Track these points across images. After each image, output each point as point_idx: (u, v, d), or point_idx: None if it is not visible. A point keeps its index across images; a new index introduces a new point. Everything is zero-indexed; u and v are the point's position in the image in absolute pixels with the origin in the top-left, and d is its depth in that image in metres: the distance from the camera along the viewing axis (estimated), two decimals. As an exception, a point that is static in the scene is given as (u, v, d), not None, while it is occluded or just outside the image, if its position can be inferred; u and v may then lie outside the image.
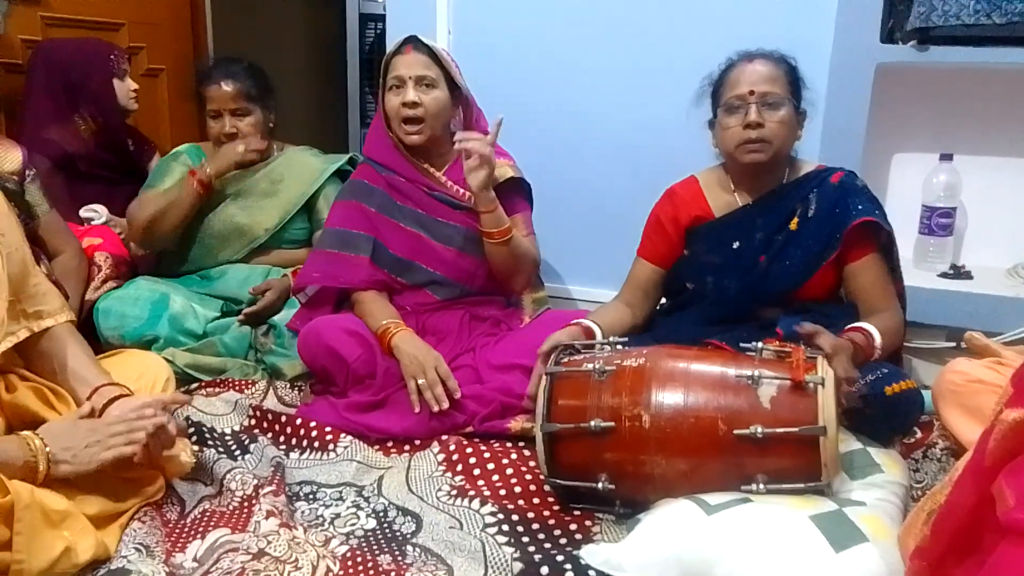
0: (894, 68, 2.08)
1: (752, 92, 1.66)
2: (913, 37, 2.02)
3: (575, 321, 1.71)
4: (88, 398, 1.41)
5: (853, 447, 1.50)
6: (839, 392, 1.37)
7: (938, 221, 2.17)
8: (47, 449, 1.27)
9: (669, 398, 1.37)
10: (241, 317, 2.11)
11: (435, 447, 1.68)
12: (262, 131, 2.29)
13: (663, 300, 1.94)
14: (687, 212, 1.82)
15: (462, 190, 2.01)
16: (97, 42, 2.47)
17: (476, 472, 1.59)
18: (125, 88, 2.43)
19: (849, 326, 1.60)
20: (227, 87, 2.22)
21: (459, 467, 1.61)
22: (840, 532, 1.21)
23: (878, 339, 1.56)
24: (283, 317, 2.10)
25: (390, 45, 2.03)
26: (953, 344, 2.04)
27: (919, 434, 1.68)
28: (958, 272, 2.15)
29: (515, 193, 2.06)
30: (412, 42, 1.98)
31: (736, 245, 1.77)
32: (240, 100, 2.24)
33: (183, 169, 2.25)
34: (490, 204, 1.88)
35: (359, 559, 1.34)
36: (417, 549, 1.38)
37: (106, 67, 2.39)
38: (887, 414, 1.53)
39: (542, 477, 1.49)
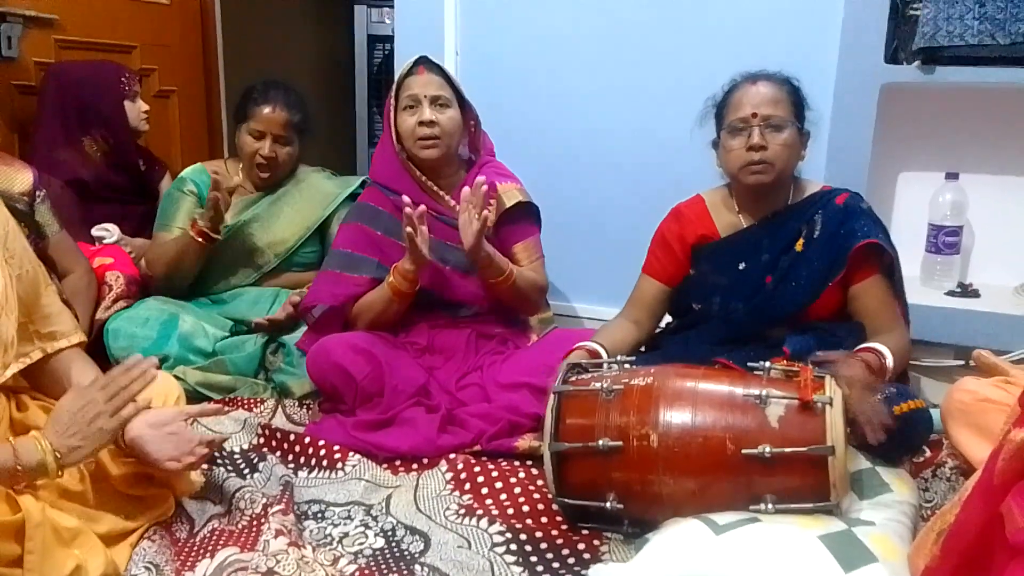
0: (899, 88, 2.09)
1: (755, 115, 1.68)
2: (918, 57, 2.04)
3: (579, 345, 1.72)
4: None
5: (862, 466, 1.50)
6: (870, 426, 1.37)
7: (945, 240, 2.17)
8: (52, 448, 1.23)
9: (677, 417, 1.37)
10: (263, 320, 2.11)
11: (443, 466, 1.69)
12: (294, 162, 2.33)
13: (669, 319, 1.95)
14: (693, 231, 1.83)
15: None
16: (108, 64, 2.51)
17: (484, 491, 1.59)
18: (136, 109, 2.46)
19: (861, 346, 1.60)
20: (281, 112, 2.24)
21: (467, 486, 1.61)
22: (849, 552, 1.21)
23: (890, 359, 1.57)
24: (292, 337, 2.11)
25: (400, 66, 2.05)
26: (961, 362, 2.03)
27: (928, 453, 1.67)
28: (965, 290, 2.15)
29: (524, 217, 2.07)
30: (424, 63, 2.00)
31: (742, 266, 1.78)
32: (288, 128, 2.26)
33: (190, 200, 2.27)
34: (485, 260, 1.90)
35: (367, 578, 1.34)
36: (425, 568, 1.38)
37: (117, 89, 2.42)
38: (896, 433, 1.52)
39: (550, 496, 1.49)
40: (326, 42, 4.14)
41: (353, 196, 2.33)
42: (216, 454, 1.67)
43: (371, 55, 3.88)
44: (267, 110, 2.24)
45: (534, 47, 2.48)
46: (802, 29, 2.17)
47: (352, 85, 3.90)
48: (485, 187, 1.85)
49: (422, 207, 1.86)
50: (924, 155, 2.25)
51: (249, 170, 2.31)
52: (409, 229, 1.81)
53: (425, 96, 1.95)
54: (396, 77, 2.02)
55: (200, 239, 2.15)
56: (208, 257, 2.24)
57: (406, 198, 1.85)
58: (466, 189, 1.85)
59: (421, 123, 1.95)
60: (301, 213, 2.30)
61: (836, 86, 2.11)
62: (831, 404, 1.32)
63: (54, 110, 2.39)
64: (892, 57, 2.08)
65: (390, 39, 3.21)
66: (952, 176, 2.16)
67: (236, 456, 1.71)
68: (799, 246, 1.74)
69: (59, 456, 1.23)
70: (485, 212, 1.84)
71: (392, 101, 2.01)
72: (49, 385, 1.47)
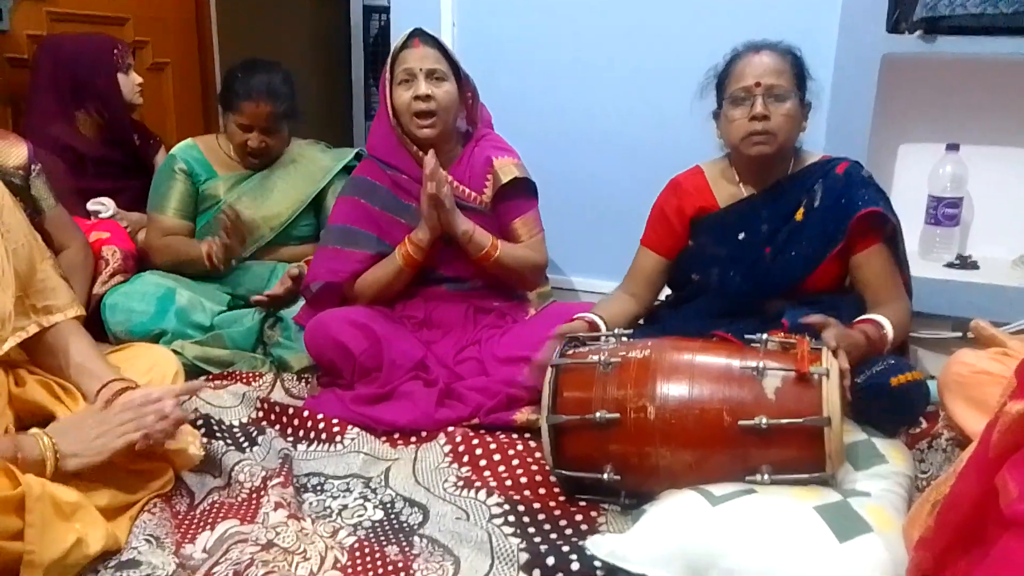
0: (900, 58, 2.07)
1: (758, 84, 1.66)
2: (919, 27, 2.01)
3: (578, 316, 1.72)
4: (96, 393, 1.42)
5: (858, 438, 1.50)
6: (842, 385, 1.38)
7: (944, 211, 2.16)
8: (55, 446, 1.27)
9: (674, 390, 1.38)
10: (262, 297, 2.10)
11: (441, 439, 1.69)
12: (285, 142, 2.31)
13: (668, 292, 1.94)
14: (692, 203, 1.82)
15: (467, 189, 2.01)
16: (101, 37, 2.47)
17: (482, 463, 1.60)
18: (130, 82, 2.44)
19: (861, 317, 1.60)
20: (265, 106, 2.19)
21: (465, 459, 1.62)
22: (845, 523, 1.22)
23: (890, 331, 1.57)
24: (290, 311, 2.11)
25: (395, 38, 2.02)
26: (959, 334, 2.04)
27: (924, 424, 1.68)
28: (964, 262, 2.15)
29: (521, 193, 2.06)
30: (419, 35, 1.97)
31: (741, 236, 1.77)
32: (274, 119, 2.23)
33: (181, 180, 2.25)
34: (464, 237, 1.92)
35: (367, 550, 1.36)
36: (424, 540, 1.39)
37: (110, 62, 2.39)
38: (893, 405, 1.53)
39: (548, 468, 1.50)
40: (322, 13, 4.09)
41: (347, 168, 2.32)
42: (216, 427, 1.68)
43: (367, 26, 3.84)
44: (250, 105, 2.19)
45: (532, 19, 2.45)
46: (803, -1, 2.15)
47: (348, 56, 3.86)
48: (432, 161, 1.85)
49: (432, 156, 1.86)
50: (924, 126, 2.24)
51: (240, 155, 2.29)
52: (431, 193, 1.83)
53: (421, 70, 1.93)
54: (391, 50, 2.00)
55: (211, 265, 2.17)
56: (204, 232, 2.24)
57: (430, 157, 1.85)
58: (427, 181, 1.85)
59: (417, 97, 1.93)
60: (295, 187, 2.29)
61: (837, 56, 2.08)
62: (827, 376, 1.32)
63: (47, 84, 2.37)
64: (893, 27, 2.06)
65: (386, 10, 3.17)
66: (952, 148, 2.15)
67: (235, 430, 1.72)
68: (799, 216, 1.73)
69: (58, 457, 1.27)
70: (445, 189, 1.86)
71: (387, 75, 1.99)
72: (47, 359, 1.48)
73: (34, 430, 1.31)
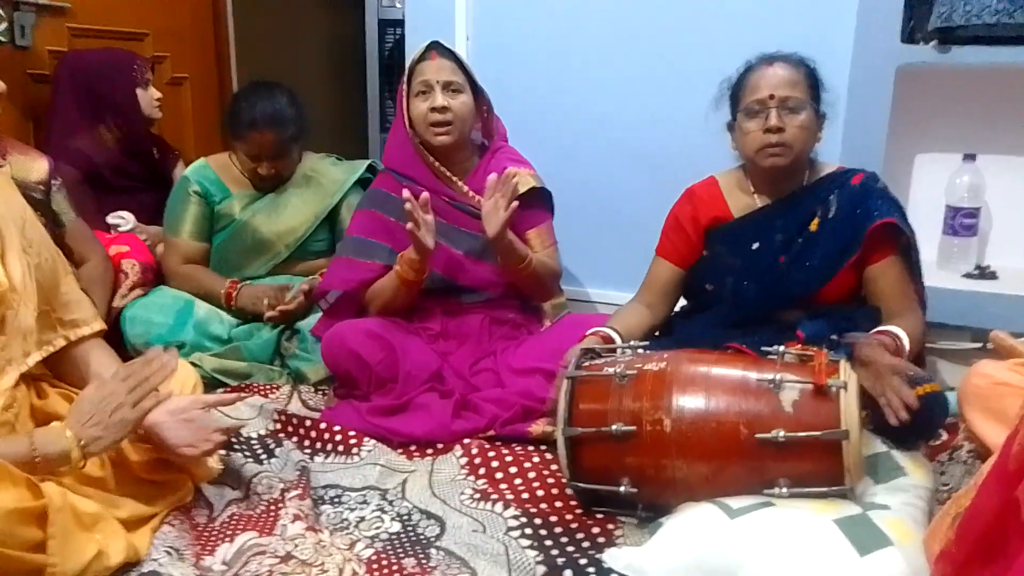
0: (915, 69, 2.07)
1: (772, 96, 1.66)
2: (934, 37, 2.01)
3: (592, 331, 1.72)
4: None
5: (877, 450, 1.49)
6: (890, 407, 1.38)
7: (962, 221, 2.15)
8: (78, 436, 1.25)
9: (690, 402, 1.37)
10: (273, 313, 2.10)
11: (457, 451, 1.70)
12: (297, 162, 2.30)
13: (683, 302, 1.94)
14: (706, 212, 1.82)
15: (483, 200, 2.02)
16: (121, 52, 2.50)
17: (499, 476, 1.60)
18: (148, 97, 2.46)
19: (876, 329, 1.59)
20: (270, 135, 2.18)
21: (481, 471, 1.62)
22: (864, 536, 1.21)
23: (906, 343, 1.56)
24: (307, 323, 2.12)
25: (411, 51, 2.04)
26: (978, 345, 2.02)
27: (944, 436, 1.67)
28: (983, 272, 2.13)
29: (537, 203, 2.07)
30: (436, 48, 1.99)
31: (756, 246, 1.77)
32: (281, 146, 2.22)
33: (195, 202, 2.25)
34: (508, 247, 1.90)
35: (384, 562, 1.36)
36: (441, 552, 1.39)
37: (129, 77, 2.41)
38: (912, 417, 1.52)
39: (564, 481, 1.50)
40: (337, 27, 4.12)
41: (360, 181, 2.32)
42: (233, 440, 1.69)
43: (382, 40, 3.86)
44: (255, 135, 2.18)
45: (546, 31, 2.46)
46: (818, 9, 2.15)
47: (363, 69, 3.88)
48: (516, 179, 1.84)
49: (425, 195, 1.85)
50: (941, 136, 2.23)
51: (252, 179, 2.29)
52: (411, 224, 1.81)
53: (437, 82, 1.95)
54: (408, 63, 2.02)
55: (228, 303, 2.18)
56: (220, 249, 2.26)
57: (406, 192, 1.83)
58: (492, 176, 1.84)
59: (433, 109, 1.94)
60: (309, 203, 2.29)
61: (852, 67, 2.08)
62: (845, 388, 1.32)
63: (68, 99, 2.40)
64: (908, 37, 2.05)
65: (401, 23, 3.19)
66: (969, 157, 2.14)
67: (253, 442, 1.73)
68: (814, 226, 1.73)
69: (83, 445, 1.24)
70: (514, 202, 1.84)
71: (404, 87, 2.01)
72: (70, 373, 1.49)
73: (54, 424, 1.29)
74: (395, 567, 1.35)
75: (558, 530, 1.44)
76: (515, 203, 1.84)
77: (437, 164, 2.03)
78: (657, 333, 1.88)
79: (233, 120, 2.22)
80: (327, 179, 2.33)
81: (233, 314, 2.18)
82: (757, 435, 1.32)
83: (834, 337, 1.53)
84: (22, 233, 1.41)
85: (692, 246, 1.84)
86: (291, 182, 2.31)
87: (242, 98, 2.24)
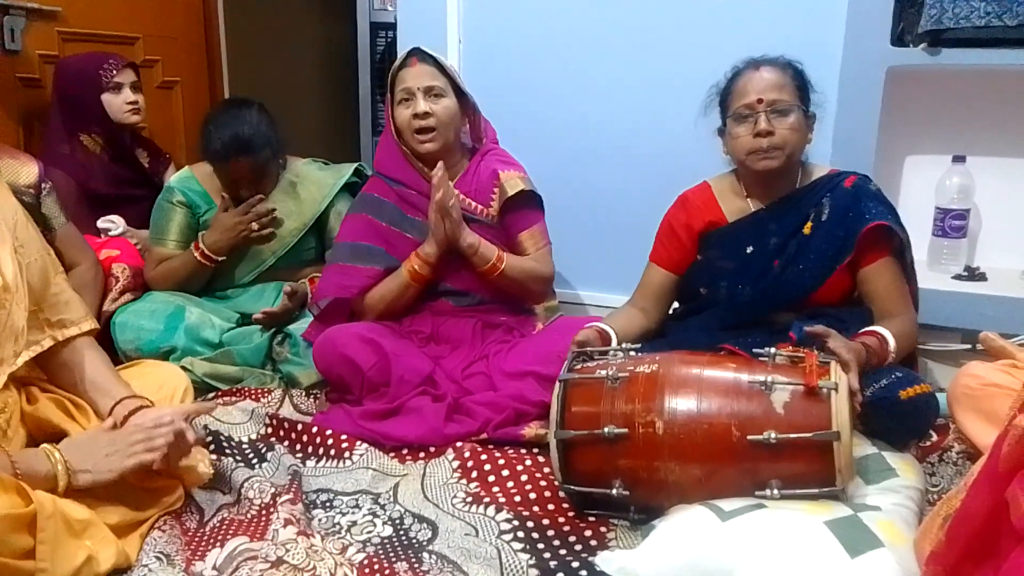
0: (905, 71, 2.08)
1: (760, 100, 1.67)
2: (924, 40, 2.02)
3: (590, 325, 1.72)
4: (110, 411, 1.43)
5: (868, 451, 1.50)
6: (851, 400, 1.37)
7: (951, 223, 2.16)
8: (66, 461, 1.28)
9: (682, 404, 1.38)
10: (260, 316, 2.09)
11: (450, 454, 1.69)
12: (278, 174, 2.27)
13: (676, 305, 1.95)
14: (700, 218, 1.83)
15: (473, 203, 2.02)
16: (92, 56, 2.43)
17: (491, 479, 1.60)
18: (119, 101, 2.37)
19: (863, 330, 1.60)
20: (243, 162, 2.13)
21: (474, 474, 1.62)
22: (855, 537, 1.21)
23: (892, 343, 1.56)
24: (298, 327, 2.12)
25: (396, 59, 2.04)
26: (968, 346, 2.03)
27: (935, 437, 1.68)
28: (972, 274, 2.14)
29: (527, 205, 2.07)
30: (416, 54, 1.99)
31: (750, 250, 1.77)
32: (258, 169, 2.18)
33: (180, 212, 2.24)
34: (469, 250, 1.94)
35: (376, 566, 1.35)
36: (433, 556, 1.39)
37: (95, 83, 2.34)
38: (902, 418, 1.52)
39: (556, 483, 1.50)
40: (329, 30, 4.12)
41: (347, 185, 2.30)
42: (225, 444, 1.68)
43: (374, 43, 3.86)
44: (231, 164, 2.13)
45: (538, 34, 2.47)
46: (807, 12, 2.15)
47: (355, 73, 3.88)
48: (440, 172, 1.86)
49: (441, 167, 1.88)
50: (931, 138, 2.24)
51: (234, 196, 2.24)
52: (435, 216, 1.84)
53: (419, 88, 1.95)
54: (391, 71, 2.02)
55: (205, 261, 2.17)
56: None
57: (439, 170, 1.87)
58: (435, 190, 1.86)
59: (416, 115, 1.94)
60: (296, 211, 2.26)
61: (842, 69, 2.09)
62: (836, 390, 1.32)
63: (55, 104, 2.39)
64: (898, 40, 2.06)
65: (393, 27, 3.19)
66: (959, 159, 2.15)
67: (244, 446, 1.72)
68: (807, 229, 1.73)
69: (70, 472, 1.28)
70: (452, 201, 1.88)
71: (388, 95, 2.01)
72: (61, 374, 1.49)
73: (44, 445, 1.31)
74: (387, 571, 1.34)
75: (551, 533, 1.43)
76: (454, 201, 1.89)
77: (426, 169, 2.02)
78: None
79: (206, 148, 2.17)
80: (314, 186, 2.29)
81: (226, 313, 2.17)
82: (749, 437, 1.32)
83: (806, 328, 1.53)
84: (13, 234, 1.41)
85: (686, 252, 1.85)
86: (277, 190, 2.27)
87: (211, 123, 2.16)
